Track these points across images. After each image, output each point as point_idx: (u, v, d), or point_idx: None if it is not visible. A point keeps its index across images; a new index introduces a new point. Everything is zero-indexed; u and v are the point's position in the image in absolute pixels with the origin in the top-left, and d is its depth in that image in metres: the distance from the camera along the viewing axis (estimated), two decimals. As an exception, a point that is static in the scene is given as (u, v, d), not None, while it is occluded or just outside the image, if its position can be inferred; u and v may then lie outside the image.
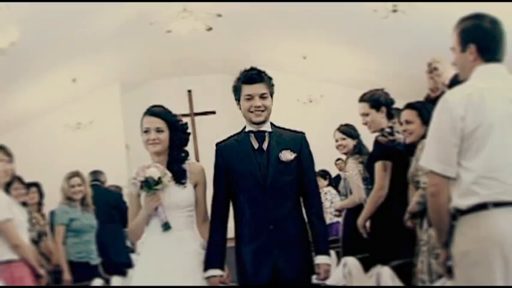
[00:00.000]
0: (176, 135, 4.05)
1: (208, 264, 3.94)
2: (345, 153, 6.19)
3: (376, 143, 5.25)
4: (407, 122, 4.64)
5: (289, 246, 3.93)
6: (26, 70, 10.18)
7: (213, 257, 3.96)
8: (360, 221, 5.36)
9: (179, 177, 4.00)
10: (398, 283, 4.42)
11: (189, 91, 14.69)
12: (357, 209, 5.63)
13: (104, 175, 8.40)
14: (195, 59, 13.33)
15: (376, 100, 5.38)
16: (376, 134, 5.33)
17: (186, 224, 4.03)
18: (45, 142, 12.74)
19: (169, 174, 3.91)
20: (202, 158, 12.92)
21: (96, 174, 8.18)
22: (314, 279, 4.09)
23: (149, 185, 3.84)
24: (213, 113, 14.38)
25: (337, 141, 6.16)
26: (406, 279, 4.50)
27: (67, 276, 6.65)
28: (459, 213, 3.00)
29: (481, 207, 2.93)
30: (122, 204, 8.15)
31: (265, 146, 3.99)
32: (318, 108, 13.17)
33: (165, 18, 10.13)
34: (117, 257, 7.56)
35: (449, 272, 3.16)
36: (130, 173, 12.76)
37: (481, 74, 3.07)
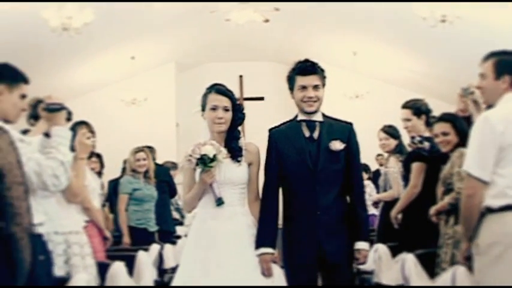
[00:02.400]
0: (236, 115, 4.10)
1: (261, 242, 4.00)
2: (387, 152, 6.61)
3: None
4: (444, 134, 5.03)
5: (334, 231, 4.03)
6: (88, 46, 10.52)
7: (265, 235, 4.02)
8: (393, 212, 5.84)
9: (235, 154, 4.06)
10: (421, 269, 4.86)
11: (241, 76, 14.85)
12: (394, 202, 6.08)
13: (155, 151, 8.86)
14: (249, 46, 13.55)
15: (418, 108, 5.86)
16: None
17: (239, 200, 4.09)
18: (100, 115, 12.76)
19: (224, 151, 3.96)
20: (249, 140, 13.23)
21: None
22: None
23: (204, 162, 3.89)
24: (262, 99, 14.57)
25: (380, 140, 6.55)
26: (427, 267, 4.90)
27: (126, 239, 7.23)
28: (489, 211, 3.51)
29: (510, 208, 3.47)
30: (169, 178, 8.78)
31: (315, 135, 4.07)
32: (363, 104, 13.31)
33: (226, 7, 10.49)
34: (166, 225, 8.09)
35: (467, 260, 3.77)
36: (179, 149, 13.45)
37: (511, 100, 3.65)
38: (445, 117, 5.11)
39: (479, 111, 4.52)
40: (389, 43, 11.93)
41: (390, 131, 6.51)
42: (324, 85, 4.10)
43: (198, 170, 3.98)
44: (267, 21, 10.85)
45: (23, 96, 3.52)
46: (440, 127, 5.05)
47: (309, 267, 4.04)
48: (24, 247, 2.55)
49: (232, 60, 14.36)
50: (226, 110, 4.02)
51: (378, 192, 7.16)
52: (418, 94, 12.73)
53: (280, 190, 4.16)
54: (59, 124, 3.63)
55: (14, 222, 2.54)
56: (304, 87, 4.04)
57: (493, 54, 3.77)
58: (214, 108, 4.01)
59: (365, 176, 9.58)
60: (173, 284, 4.03)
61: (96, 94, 13.74)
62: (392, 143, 6.46)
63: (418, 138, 5.62)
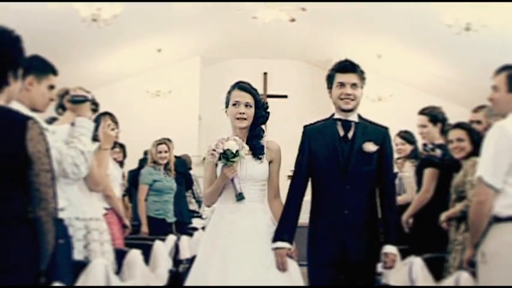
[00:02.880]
0: (259, 112, 4.16)
1: (278, 236, 4.02)
2: (403, 157, 6.72)
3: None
4: (459, 140, 5.15)
5: (359, 232, 4.03)
6: (116, 37, 10.72)
7: (284, 230, 4.04)
8: (404, 216, 5.96)
9: (257, 152, 4.10)
10: (427, 273, 4.98)
11: (265, 73, 14.92)
12: (407, 206, 6.20)
13: (172, 143, 9.01)
14: (274, 44, 13.61)
15: (435, 116, 5.98)
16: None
17: (259, 197, 4.13)
18: (125, 105, 13.01)
19: (246, 148, 4.00)
20: (271, 138, 13.30)
21: (166, 142, 8.83)
22: (379, 267, 4.22)
23: (227, 156, 3.93)
24: (285, 96, 14.52)
25: (397, 145, 6.62)
26: (435, 271, 5.04)
27: (144, 228, 7.44)
28: (497, 220, 3.61)
29: None
30: (186, 170, 8.96)
31: (350, 135, 4.08)
32: (386, 106, 13.28)
33: (253, 5, 10.63)
34: (181, 216, 8.30)
35: (471, 266, 3.87)
36: (201, 142, 13.60)
37: None
38: (462, 125, 5.23)
39: None
40: (413, 47, 11.96)
41: (406, 136, 6.65)
42: (362, 86, 4.15)
43: (220, 164, 4.03)
44: (293, 20, 10.97)
45: (51, 87, 3.72)
46: (455, 133, 5.17)
47: (332, 266, 4.05)
48: (48, 230, 2.70)
49: (257, 57, 14.45)
50: (248, 106, 4.08)
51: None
52: (440, 99, 12.91)
53: (310, 187, 4.20)
54: (83, 115, 3.87)
55: (40, 207, 2.69)
56: (342, 84, 4.07)
57: (506, 68, 3.90)
58: (236, 104, 4.07)
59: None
60: (191, 273, 4.07)
61: (122, 84, 13.89)
62: (408, 148, 6.62)
63: (430, 146, 5.76)
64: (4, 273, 2.59)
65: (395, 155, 6.79)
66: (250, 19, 10.96)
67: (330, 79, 4.16)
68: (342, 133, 4.09)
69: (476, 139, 4.96)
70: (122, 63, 13.02)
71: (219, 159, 3.96)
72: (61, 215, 3.52)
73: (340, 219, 4.00)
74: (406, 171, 6.54)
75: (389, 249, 4.06)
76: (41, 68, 3.71)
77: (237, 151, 3.93)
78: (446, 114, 6.09)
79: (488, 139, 3.74)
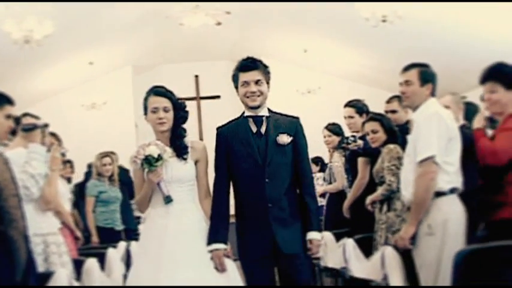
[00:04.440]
0: (179, 113, 4.15)
1: (212, 238, 4.02)
2: (331, 148, 7.16)
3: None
4: (373, 132, 5.61)
5: (286, 222, 4.04)
6: (48, 54, 10.74)
7: (217, 231, 4.05)
8: (346, 204, 6.34)
9: (181, 152, 4.11)
10: (359, 252, 5.45)
11: (196, 76, 15.08)
12: (338, 194, 6.67)
13: (116, 155, 9.24)
14: (204, 47, 13.78)
15: (361, 107, 6.44)
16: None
17: (188, 197, 4.12)
18: (62, 119, 12.72)
19: (169, 151, 4.00)
20: (206, 139, 13.54)
21: (109, 155, 9.04)
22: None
23: (149, 162, 3.92)
24: (218, 97, 14.69)
25: (324, 137, 7.07)
26: (366, 249, 5.47)
27: (95, 239, 7.74)
28: (439, 195, 4.15)
29: (455, 190, 4.19)
30: (129, 179, 9.24)
31: (263, 129, 4.10)
32: (316, 99, 13.70)
33: (179, 13, 10.87)
34: (128, 224, 8.52)
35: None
36: (138, 149, 13.51)
37: None
38: (374, 117, 5.69)
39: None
40: (337, 40, 12.32)
41: (333, 129, 7.05)
42: (268, 81, 4.14)
43: (146, 170, 4.02)
44: (219, 24, 11.26)
45: (8, 116, 4.03)
46: (370, 126, 5.62)
47: (265, 260, 4.07)
48: (20, 246, 3.05)
49: (187, 61, 14.59)
50: (167, 110, 4.09)
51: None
52: (368, 87, 13.42)
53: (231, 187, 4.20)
54: (33, 141, 4.18)
55: (12, 226, 3.04)
56: (246, 83, 4.08)
57: (415, 65, 4.39)
58: (154, 111, 4.07)
59: (316, 168, 10.07)
60: (127, 282, 4.11)
61: (57, 99, 13.90)
62: (336, 139, 6.98)
63: (351, 138, 6.15)
64: None
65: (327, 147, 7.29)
66: (178, 25, 11.19)
67: (234, 79, 4.18)
68: (254, 129, 4.12)
69: (388, 128, 5.46)
70: (56, 79, 13.10)
71: (142, 165, 3.98)
72: None
73: (265, 213, 4.02)
74: (335, 161, 6.96)
75: (314, 235, 4.09)
76: None
77: (159, 155, 3.94)
78: (368, 107, 6.52)
79: (427, 124, 4.19)
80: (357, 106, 6.47)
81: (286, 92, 13.79)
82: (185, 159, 4.13)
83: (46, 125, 4.48)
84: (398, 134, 5.52)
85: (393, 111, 5.97)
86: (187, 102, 12.70)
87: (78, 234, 6.15)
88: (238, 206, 4.19)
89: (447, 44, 10.40)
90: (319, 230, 4.18)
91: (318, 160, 10.39)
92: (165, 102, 4.11)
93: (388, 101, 6.11)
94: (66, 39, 10.57)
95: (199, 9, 10.82)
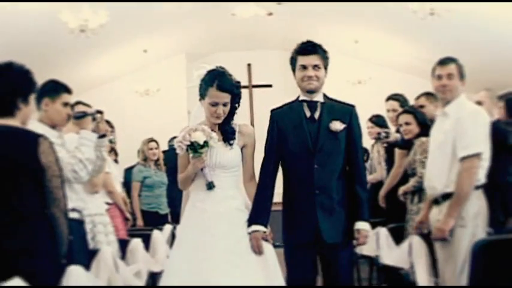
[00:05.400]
0: (234, 105, 4.10)
1: (253, 220, 4.01)
2: (374, 139, 7.30)
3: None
4: (407, 124, 5.73)
5: (332, 211, 4.03)
6: (103, 42, 10.97)
7: (258, 214, 4.03)
8: (381, 192, 6.52)
9: (228, 137, 4.07)
10: (391, 241, 5.59)
11: (249, 65, 15.13)
12: (378, 184, 6.79)
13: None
14: (256, 36, 13.90)
15: (404, 100, 6.55)
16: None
17: (231, 183, 4.08)
18: (115, 106, 13.12)
19: (215, 137, 3.93)
20: (257, 127, 13.56)
21: (172, 140, 9.25)
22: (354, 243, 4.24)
23: (194, 148, 3.89)
24: (270, 86, 14.70)
25: (367, 128, 7.21)
26: (399, 238, 5.61)
27: (139, 222, 8.07)
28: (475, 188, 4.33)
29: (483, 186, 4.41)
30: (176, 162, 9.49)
31: (316, 115, 4.09)
32: (366, 89, 13.65)
33: (231, 3, 11.11)
34: (175, 207, 8.79)
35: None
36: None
37: None
38: (408, 110, 5.82)
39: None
40: (388, 31, 12.32)
41: (376, 121, 7.19)
42: (326, 67, 4.15)
43: (190, 155, 3.98)
44: (270, 14, 11.42)
45: (66, 104, 4.43)
46: (403, 118, 5.75)
47: (307, 247, 4.07)
48: (62, 223, 3.35)
49: (240, 50, 14.62)
50: (226, 105, 4.03)
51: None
52: (421, 78, 13.33)
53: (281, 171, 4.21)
54: (84, 128, 4.47)
55: (54, 205, 3.34)
56: (304, 67, 4.08)
57: (452, 59, 4.51)
58: (214, 105, 4.00)
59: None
60: (166, 266, 4.19)
61: (111, 86, 14.14)
62: (378, 130, 7.04)
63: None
64: (30, 258, 3.20)
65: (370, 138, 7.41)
66: (230, 15, 11.38)
67: (292, 62, 4.18)
68: (308, 114, 4.11)
69: (421, 121, 5.58)
70: (111, 66, 13.36)
71: (187, 150, 3.94)
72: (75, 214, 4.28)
73: (311, 199, 4.01)
74: (375, 152, 7.11)
75: (362, 225, 4.07)
76: (53, 89, 4.43)
77: (205, 142, 3.88)
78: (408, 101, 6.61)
79: (473, 121, 4.38)
80: (401, 99, 6.58)
81: (336, 82, 13.55)
82: (231, 144, 4.09)
83: (97, 112, 4.67)
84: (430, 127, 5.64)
85: (421, 107, 6.06)
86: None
87: (128, 215, 6.45)
88: (286, 191, 4.19)
89: (495, 36, 10.35)
90: (368, 221, 4.15)
91: (364, 151, 10.43)
92: (226, 98, 4.03)
93: (417, 98, 6.22)
94: (120, 28, 10.82)
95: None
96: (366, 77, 13.97)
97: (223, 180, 4.07)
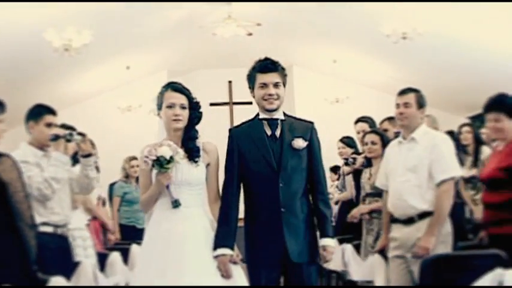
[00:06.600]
0: (194, 113, 4.01)
1: (219, 243, 3.87)
2: (344, 159, 7.56)
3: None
4: (373, 143, 6.03)
5: (298, 229, 3.94)
6: (86, 59, 10.95)
7: (224, 236, 3.89)
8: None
9: (193, 155, 3.95)
10: (356, 255, 5.96)
11: (230, 82, 15.26)
12: (348, 202, 7.08)
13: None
14: (236, 55, 13.63)
15: (373, 122, 6.87)
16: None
17: (196, 201, 3.96)
18: (98, 121, 13.56)
19: (181, 153, 3.84)
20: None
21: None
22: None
23: (161, 163, 3.76)
24: (250, 103, 14.73)
25: (338, 148, 7.45)
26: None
27: (116, 235, 8.32)
28: None
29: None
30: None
31: (277, 133, 3.99)
32: (344, 108, 13.79)
33: (212, 23, 11.29)
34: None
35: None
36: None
37: None
38: (376, 131, 6.14)
39: None
40: (366, 52, 12.59)
41: (347, 141, 7.44)
42: (284, 83, 4.04)
43: (155, 171, 3.87)
44: (250, 34, 11.57)
45: (49, 125, 4.71)
46: (370, 137, 6.06)
47: (272, 266, 3.97)
48: (28, 235, 3.59)
49: (221, 67, 14.78)
50: (183, 107, 3.96)
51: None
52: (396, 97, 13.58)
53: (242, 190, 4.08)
54: (56, 149, 4.80)
55: (18, 218, 3.60)
56: (264, 85, 3.98)
57: (411, 90, 4.88)
58: (171, 106, 3.94)
59: (334, 176, 10.36)
60: (131, 283, 4.19)
61: (94, 101, 14.28)
62: (349, 151, 7.33)
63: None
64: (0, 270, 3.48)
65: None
66: (211, 35, 11.55)
67: (251, 79, 4.09)
68: (269, 132, 4.02)
69: (386, 143, 5.90)
70: (94, 82, 13.49)
71: (153, 166, 3.81)
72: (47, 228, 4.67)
73: (277, 218, 3.91)
74: (346, 172, 7.38)
75: (327, 242, 4.02)
76: (37, 112, 4.81)
77: (171, 157, 3.78)
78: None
79: (447, 147, 4.80)
80: (370, 121, 6.87)
81: (314, 100, 14.22)
82: (196, 162, 3.98)
83: (79, 134, 4.86)
84: None
85: (385, 130, 6.42)
86: (221, 107, 13.07)
87: (109, 227, 6.71)
88: (249, 210, 4.06)
89: (466, 60, 10.74)
90: (332, 237, 4.11)
91: (337, 169, 10.68)
92: (182, 99, 3.98)
93: (381, 122, 6.58)
94: (103, 45, 10.97)
95: (231, 21, 11.20)
96: (344, 95, 14.22)
97: (189, 198, 3.96)
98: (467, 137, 7.19)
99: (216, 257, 3.86)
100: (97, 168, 8.34)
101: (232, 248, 3.90)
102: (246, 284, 3.94)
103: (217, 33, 11.43)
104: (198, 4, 10.84)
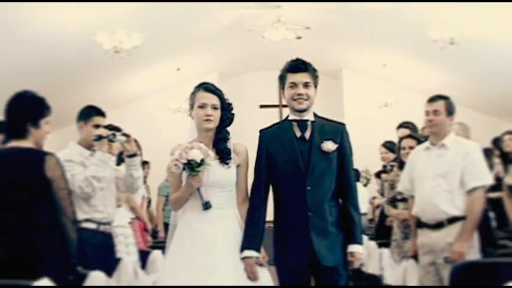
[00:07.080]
0: (226, 114, 3.97)
1: (245, 245, 3.84)
2: (383, 166, 7.57)
3: None
4: (410, 147, 6.01)
5: (326, 233, 3.87)
6: (137, 60, 11.13)
7: (250, 238, 3.86)
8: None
9: (224, 157, 3.90)
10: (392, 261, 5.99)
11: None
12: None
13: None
14: (285, 58, 13.97)
15: (415, 128, 6.88)
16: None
17: (227, 202, 3.93)
18: (148, 122, 13.82)
19: (212, 155, 3.77)
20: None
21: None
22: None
23: (191, 167, 3.71)
24: None
25: (381, 153, 7.50)
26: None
27: (161, 234, 8.52)
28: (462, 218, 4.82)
29: None
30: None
31: (307, 135, 3.93)
32: (392, 112, 13.66)
33: (261, 26, 11.41)
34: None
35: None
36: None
37: None
38: (413, 135, 6.17)
39: None
40: (416, 57, 12.57)
41: (389, 146, 7.46)
42: (316, 85, 3.98)
43: (185, 173, 3.84)
44: (299, 38, 11.60)
45: (97, 126, 4.91)
46: (407, 142, 6.08)
47: (302, 270, 3.93)
48: (70, 229, 3.82)
49: (271, 70, 14.76)
50: (215, 108, 3.92)
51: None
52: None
53: (271, 192, 4.04)
54: (100, 149, 4.93)
55: (61, 213, 3.83)
56: (294, 84, 3.94)
57: (441, 97, 4.92)
58: (202, 106, 3.91)
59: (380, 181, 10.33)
60: (159, 282, 4.07)
61: (145, 102, 14.54)
62: (391, 156, 7.30)
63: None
64: (42, 263, 3.69)
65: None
66: (260, 38, 11.65)
67: (281, 80, 4.05)
68: (298, 134, 3.95)
69: None
70: (145, 83, 13.74)
71: (183, 169, 3.77)
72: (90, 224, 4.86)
73: (305, 221, 3.86)
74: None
75: (355, 248, 3.94)
76: (86, 113, 5.04)
77: (201, 160, 3.72)
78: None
79: (478, 155, 4.89)
80: (410, 127, 6.89)
81: (363, 104, 14.21)
82: (227, 163, 3.94)
83: (124, 135, 5.02)
84: None
85: (427, 136, 6.40)
86: (271, 109, 13.08)
87: (149, 227, 6.87)
88: (277, 213, 4.00)
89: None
90: (361, 243, 4.02)
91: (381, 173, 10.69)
92: (214, 100, 3.93)
93: (423, 128, 6.64)
94: (154, 47, 11.15)
95: (280, 24, 11.26)
96: (393, 99, 14.19)
97: (219, 199, 3.93)
98: (509, 145, 7.12)
99: (242, 258, 3.84)
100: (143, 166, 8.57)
101: (258, 250, 3.87)
102: (271, 284, 3.94)
103: (266, 37, 11.51)
104: (247, 6, 10.93)
